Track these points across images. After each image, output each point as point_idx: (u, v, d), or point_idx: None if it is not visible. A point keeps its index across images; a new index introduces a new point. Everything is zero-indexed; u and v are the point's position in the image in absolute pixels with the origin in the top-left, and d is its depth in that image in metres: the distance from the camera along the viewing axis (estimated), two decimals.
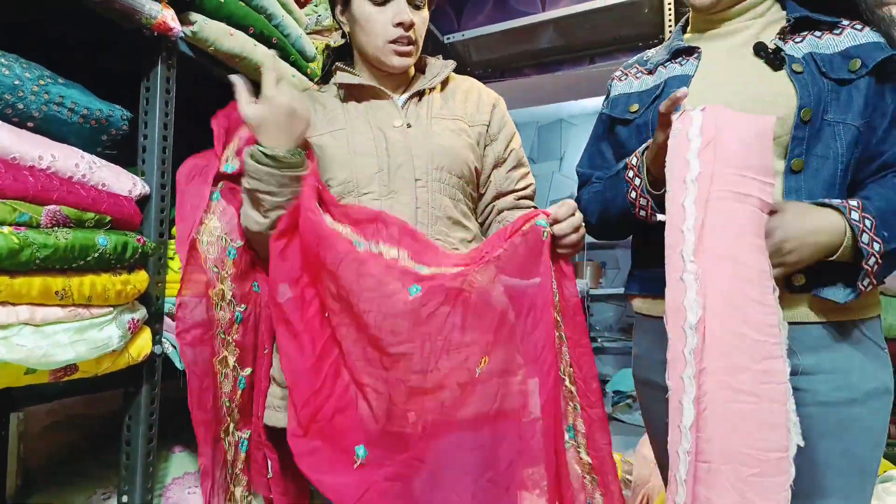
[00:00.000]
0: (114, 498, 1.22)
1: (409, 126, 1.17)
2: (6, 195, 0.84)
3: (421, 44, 1.21)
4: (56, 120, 0.96)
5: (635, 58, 1.29)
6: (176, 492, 1.27)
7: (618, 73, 1.28)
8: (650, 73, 1.20)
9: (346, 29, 1.25)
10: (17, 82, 0.90)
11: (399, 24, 1.14)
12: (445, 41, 2.76)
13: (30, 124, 0.93)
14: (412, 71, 1.28)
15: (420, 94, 1.21)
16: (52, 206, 0.89)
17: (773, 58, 1.02)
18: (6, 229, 0.81)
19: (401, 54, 1.17)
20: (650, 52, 1.27)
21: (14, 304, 0.84)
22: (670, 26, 2.30)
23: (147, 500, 1.12)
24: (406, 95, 1.21)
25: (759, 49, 1.05)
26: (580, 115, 4.50)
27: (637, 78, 1.23)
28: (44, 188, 0.89)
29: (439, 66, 1.26)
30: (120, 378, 1.09)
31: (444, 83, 1.27)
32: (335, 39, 1.82)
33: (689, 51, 1.15)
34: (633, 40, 2.69)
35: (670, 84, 1.13)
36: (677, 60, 1.16)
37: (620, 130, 1.21)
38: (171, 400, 1.27)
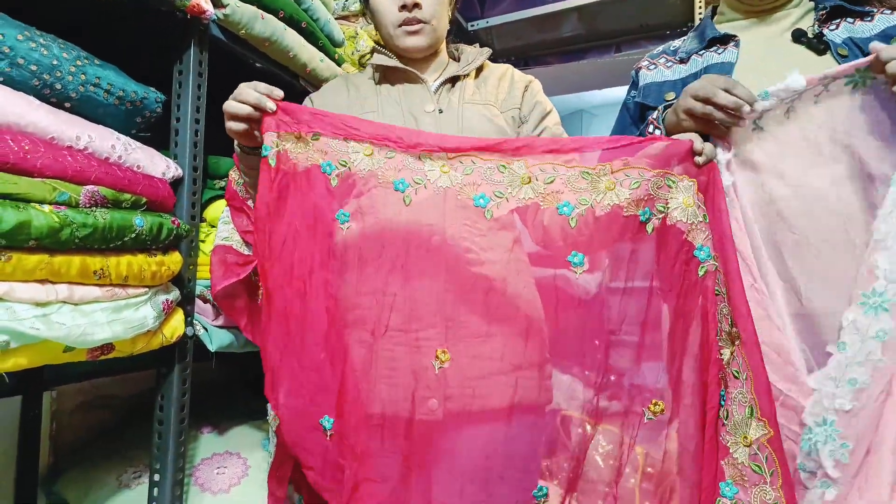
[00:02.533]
0: (145, 476, 1.24)
1: (440, 112, 1.16)
2: (46, 174, 0.84)
3: (438, 25, 1.19)
4: (92, 101, 0.97)
5: (661, 48, 1.29)
6: (205, 472, 1.29)
7: (644, 63, 1.27)
8: (682, 61, 1.19)
9: (374, 30, 1.26)
10: (55, 62, 0.90)
11: (403, 7, 1.15)
12: (469, 28, 2.74)
13: (67, 105, 0.94)
14: (446, 58, 1.27)
15: (453, 81, 1.21)
16: (90, 186, 0.89)
17: (817, 43, 1.02)
18: (47, 208, 0.82)
19: (410, 34, 1.16)
20: (676, 42, 1.26)
21: (53, 283, 0.85)
22: (700, 13, 2.26)
23: (179, 479, 1.13)
24: (439, 81, 1.20)
25: (799, 35, 1.05)
26: (602, 105, 4.45)
27: (668, 67, 1.22)
28: (82, 168, 0.89)
29: (474, 54, 1.25)
30: (153, 358, 1.11)
31: (479, 70, 1.26)
32: (362, 25, 1.82)
33: (726, 39, 1.13)
34: (661, 28, 2.63)
35: (710, 71, 1.11)
36: (713, 49, 1.15)
37: None
38: (200, 381, 1.28)
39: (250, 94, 0.98)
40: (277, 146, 1.00)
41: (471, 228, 1.00)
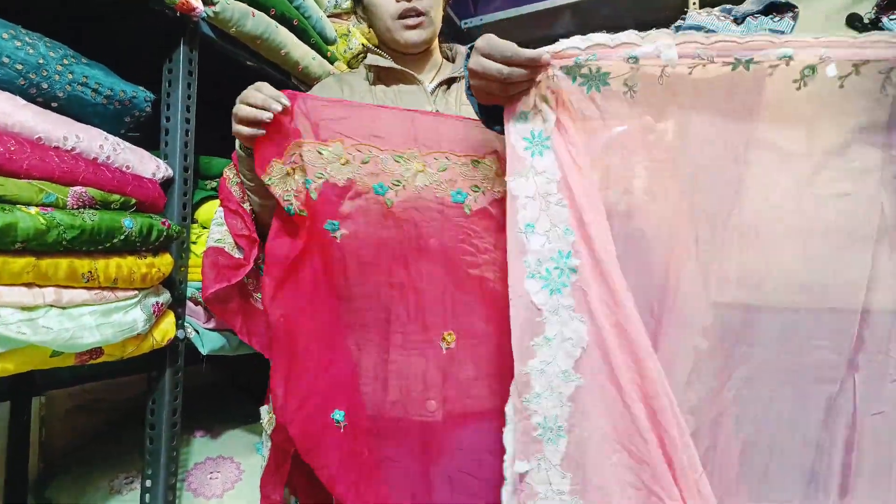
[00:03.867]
0: (137, 482, 1.22)
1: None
2: (32, 175, 0.82)
3: (435, 17, 1.18)
4: (80, 100, 0.95)
5: (718, 7, 1.25)
6: (198, 476, 1.27)
7: (698, 10, 1.24)
8: (736, 21, 1.15)
9: (367, 25, 1.24)
10: (41, 61, 0.88)
11: None
12: (463, 27, 2.72)
13: (54, 104, 0.92)
14: (440, 58, 1.25)
15: (449, 83, 1.19)
16: (78, 188, 0.87)
17: (871, 30, 0.98)
18: (33, 210, 0.80)
19: (410, 27, 1.14)
20: (729, 6, 1.23)
21: (41, 286, 0.83)
22: (695, 7, 2.26)
23: (171, 484, 1.11)
24: (435, 83, 1.19)
25: (853, 20, 1.01)
26: None
27: (720, 20, 1.17)
28: (69, 169, 0.87)
29: None
30: (144, 362, 1.09)
31: None
32: (354, 23, 1.80)
33: (784, 8, 1.09)
34: (654, 25, 2.60)
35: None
36: (769, 15, 1.11)
37: None
38: (193, 385, 1.27)
39: (256, 97, 0.96)
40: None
41: (463, 229, 1.02)
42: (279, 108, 0.95)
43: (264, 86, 0.99)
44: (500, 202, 1.00)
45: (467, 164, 1.01)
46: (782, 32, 1.05)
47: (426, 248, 1.01)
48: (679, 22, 1.24)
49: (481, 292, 1.02)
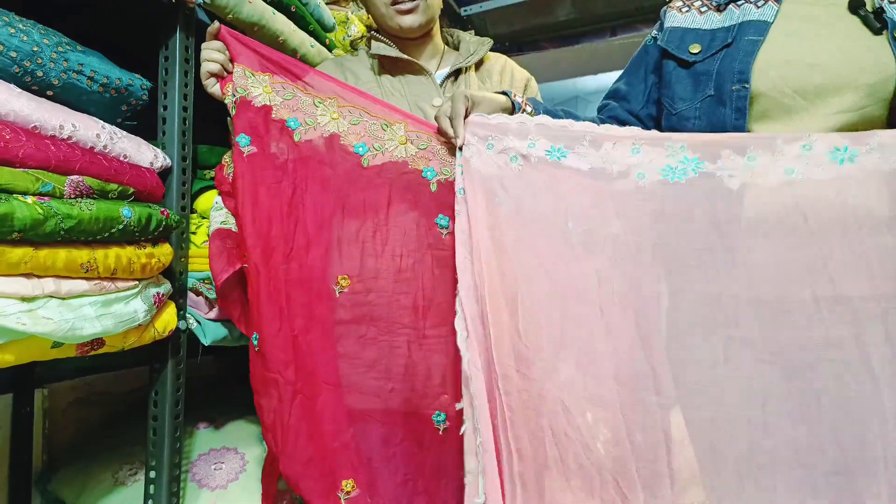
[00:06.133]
0: (140, 473, 1.22)
1: None
2: (28, 164, 0.81)
3: (431, 2, 1.16)
4: (76, 88, 0.94)
5: None
6: (202, 467, 1.27)
7: (678, 3, 1.10)
8: (718, 9, 1.05)
9: (365, 10, 1.24)
10: (36, 48, 0.87)
11: None
12: (463, 13, 2.70)
13: (49, 93, 0.91)
14: (441, 43, 1.24)
15: (456, 74, 1.18)
16: (75, 177, 0.86)
17: (874, 19, 0.91)
18: (30, 199, 0.79)
19: (403, 13, 1.14)
20: None
21: (39, 277, 0.82)
22: None
23: (174, 475, 1.11)
24: (443, 73, 1.18)
25: (856, 6, 0.94)
26: (597, 91, 4.40)
27: (701, 13, 1.06)
28: (66, 158, 0.86)
29: (475, 44, 1.22)
30: (146, 353, 1.08)
31: (479, 61, 1.23)
32: (353, 9, 1.78)
33: None
34: (657, 10, 2.60)
35: (744, 30, 0.98)
36: (752, 0, 1.02)
37: (672, 70, 1.06)
38: (195, 376, 1.26)
39: (203, 55, 1.04)
40: (238, 92, 1.05)
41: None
42: (213, 42, 1.04)
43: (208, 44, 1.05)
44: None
45: (446, 149, 1.05)
46: (768, 23, 0.97)
47: (323, 182, 1.05)
48: (655, 33, 1.12)
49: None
